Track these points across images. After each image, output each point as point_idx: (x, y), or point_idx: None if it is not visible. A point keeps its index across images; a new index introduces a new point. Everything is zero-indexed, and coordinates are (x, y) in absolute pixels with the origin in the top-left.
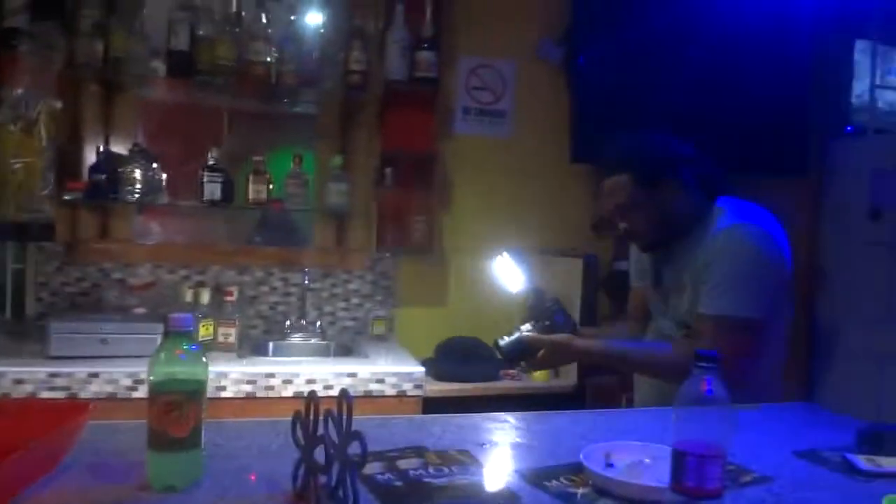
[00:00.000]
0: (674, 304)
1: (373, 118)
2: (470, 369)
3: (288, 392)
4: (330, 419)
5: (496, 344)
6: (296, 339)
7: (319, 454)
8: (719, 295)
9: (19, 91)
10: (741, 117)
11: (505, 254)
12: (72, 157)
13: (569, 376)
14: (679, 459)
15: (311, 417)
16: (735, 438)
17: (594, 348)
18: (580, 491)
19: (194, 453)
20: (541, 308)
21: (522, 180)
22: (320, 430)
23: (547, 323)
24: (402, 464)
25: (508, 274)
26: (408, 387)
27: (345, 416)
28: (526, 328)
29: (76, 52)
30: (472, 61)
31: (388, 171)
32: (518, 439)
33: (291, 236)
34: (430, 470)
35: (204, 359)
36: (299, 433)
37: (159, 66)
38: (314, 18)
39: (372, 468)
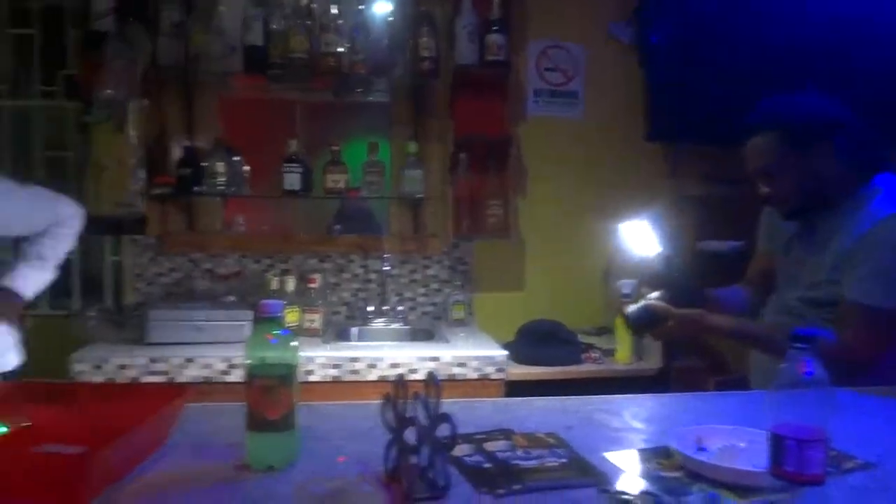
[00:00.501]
0: (806, 277)
1: (445, 104)
2: (552, 352)
3: (372, 376)
4: (419, 402)
5: (622, 312)
6: (378, 324)
7: (409, 436)
8: (872, 285)
9: (109, 92)
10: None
11: (638, 218)
12: (159, 154)
13: (653, 359)
14: (778, 443)
15: (401, 400)
16: (836, 423)
17: (729, 326)
18: (672, 474)
19: (290, 434)
20: (669, 276)
21: (596, 161)
22: (410, 413)
23: (674, 293)
24: (490, 446)
25: (639, 238)
26: (490, 370)
27: (433, 399)
28: (654, 297)
29: (159, 52)
30: (543, 43)
31: (462, 156)
32: (604, 422)
33: (369, 224)
34: (519, 452)
35: (293, 343)
36: (389, 415)
37: (236, 61)
38: (383, 7)
39: (460, 450)
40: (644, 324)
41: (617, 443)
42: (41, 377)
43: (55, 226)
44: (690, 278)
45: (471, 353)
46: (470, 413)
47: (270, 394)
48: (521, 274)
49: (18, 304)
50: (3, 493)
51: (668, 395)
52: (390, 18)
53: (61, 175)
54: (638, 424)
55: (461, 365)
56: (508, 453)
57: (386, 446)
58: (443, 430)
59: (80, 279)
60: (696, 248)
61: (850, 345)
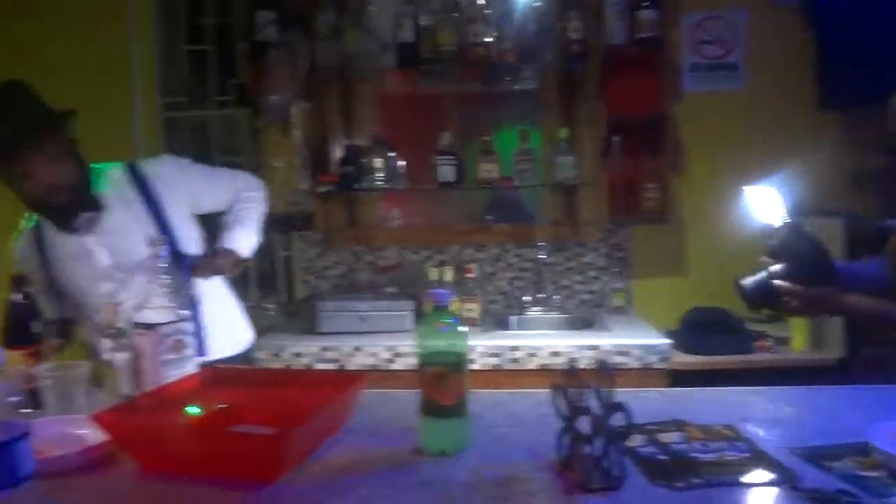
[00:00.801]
0: None
1: (595, 86)
2: (720, 341)
3: (532, 365)
4: (591, 390)
5: (736, 283)
6: (535, 313)
7: (582, 425)
8: None
9: (274, 98)
10: None
11: (760, 185)
12: (322, 153)
13: (833, 347)
14: None
15: (572, 389)
16: None
17: (869, 308)
18: (872, 474)
19: (462, 421)
20: (798, 248)
21: (762, 135)
22: (582, 402)
23: (799, 265)
24: (664, 437)
25: (764, 204)
26: (653, 359)
27: (605, 388)
28: (774, 269)
29: (317, 56)
30: (698, 15)
31: (615, 139)
32: (784, 415)
33: (521, 213)
34: (695, 444)
35: (463, 331)
36: (561, 404)
37: (389, 59)
38: None
39: (633, 440)
40: (760, 300)
41: (800, 437)
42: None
43: (241, 192)
44: (820, 251)
45: (632, 341)
46: (638, 403)
47: (442, 381)
48: (682, 259)
49: (236, 258)
50: (202, 468)
51: (854, 386)
52: (536, 4)
53: None
54: (822, 418)
55: (623, 354)
56: (684, 445)
57: (557, 435)
58: (616, 420)
59: (256, 274)
60: (880, 227)
61: None
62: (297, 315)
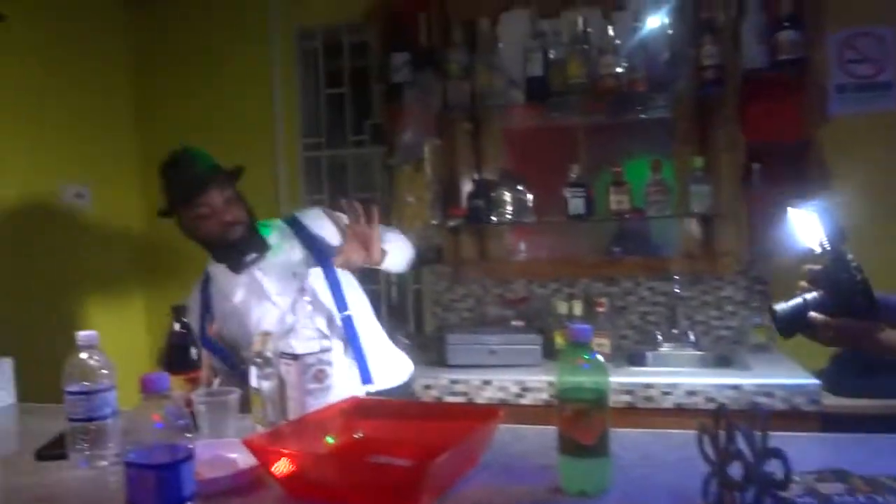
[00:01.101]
0: None
1: (733, 112)
2: (879, 382)
3: (668, 403)
4: (742, 434)
5: (770, 309)
6: (668, 348)
7: (731, 471)
8: None
9: (408, 135)
10: None
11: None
12: (452, 188)
13: None
14: None
15: (720, 431)
16: None
17: None
18: None
19: (604, 460)
20: (836, 277)
21: None
22: (732, 446)
23: (837, 295)
24: (823, 487)
25: (806, 228)
26: (801, 401)
27: (758, 432)
28: (811, 297)
29: (448, 95)
30: (845, 33)
31: (755, 166)
32: None
33: (648, 245)
34: (860, 498)
35: (604, 368)
36: (707, 447)
37: (517, 94)
38: (660, 21)
39: (789, 490)
40: (792, 326)
41: None
42: None
43: (388, 233)
44: (859, 281)
45: (777, 381)
46: (790, 448)
47: (583, 418)
48: None
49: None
50: (342, 496)
51: None
52: (669, 31)
53: None
54: None
55: (767, 395)
56: (848, 498)
57: (704, 480)
58: (770, 467)
59: (386, 306)
60: None
61: None
62: (426, 347)
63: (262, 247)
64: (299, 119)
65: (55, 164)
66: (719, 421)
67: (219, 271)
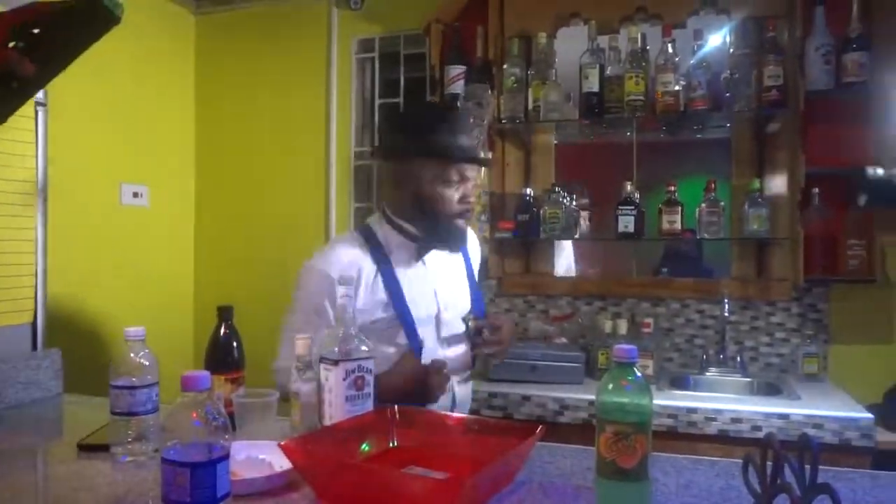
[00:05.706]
0: None
1: (794, 135)
2: None
3: (711, 430)
4: (789, 466)
5: None
6: (713, 373)
7: None
8: None
9: None
10: None
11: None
12: (502, 201)
13: None
14: None
15: (769, 462)
16: None
17: None
18: None
19: (644, 485)
20: None
21: None
22: (779, 478)
23: None
24: None
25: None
26: (853, 435)
27: (808, 465)
28: None
29: (502, 107)
30: None
31: (814, 191)
32: None
33: (697, 266)
34: None
35: (648, 389)
36: (752, 477)
37: (571, 109)
38: (722, 39)
39: None
40: None
41: None
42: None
43: None
44: None
45: (828, 412)
46: (842, 485)
47: (624, 441)
48: (891, 324)
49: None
50: None
51: None
52: (730, 50)
53: None
54: None
55: (816, 426)
56: None
57: None
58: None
59: None
60: None
61: None
62: None
63: (464, 241)
64: (352, 127)
65: (117, 165)
66: (767, 451)
67: (396, 243)
